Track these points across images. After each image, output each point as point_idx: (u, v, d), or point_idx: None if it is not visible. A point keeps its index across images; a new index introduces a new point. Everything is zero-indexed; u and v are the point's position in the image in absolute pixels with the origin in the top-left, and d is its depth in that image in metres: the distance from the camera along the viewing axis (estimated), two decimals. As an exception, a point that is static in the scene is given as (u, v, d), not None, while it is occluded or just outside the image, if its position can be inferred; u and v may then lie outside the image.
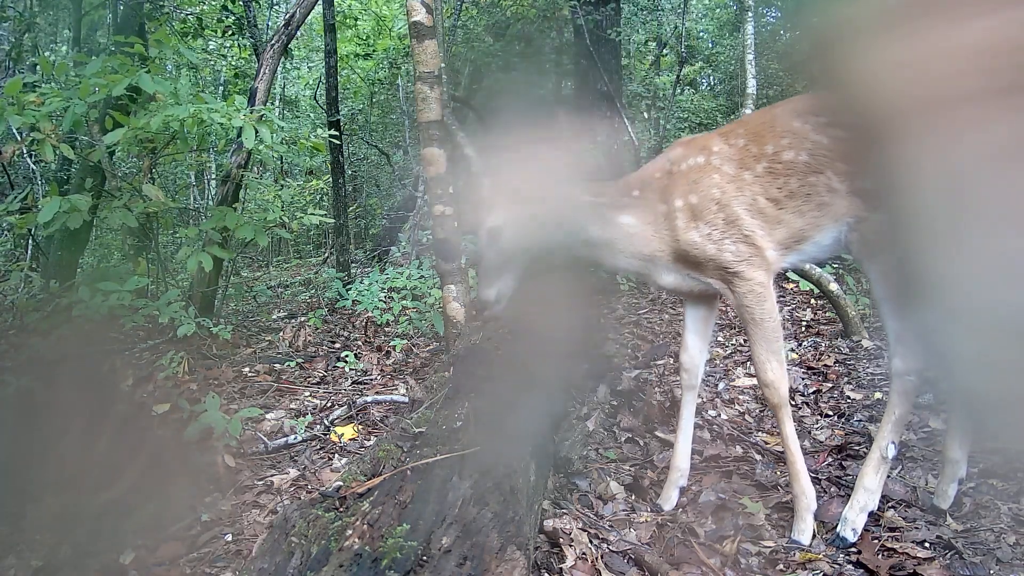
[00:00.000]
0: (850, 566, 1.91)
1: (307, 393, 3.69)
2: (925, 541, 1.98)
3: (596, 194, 2.22)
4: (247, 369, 4.08)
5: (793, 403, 3.18)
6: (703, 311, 2.35)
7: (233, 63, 8.52)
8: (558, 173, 2.25)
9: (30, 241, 5.19)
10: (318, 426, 3.17)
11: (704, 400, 3.21)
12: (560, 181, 2.22)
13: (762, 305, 2.04)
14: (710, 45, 10.72)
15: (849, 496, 2.25)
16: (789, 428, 2.09)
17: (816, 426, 2.89)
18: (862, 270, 2.05)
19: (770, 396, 2.08)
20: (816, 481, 2.38)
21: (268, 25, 8.60)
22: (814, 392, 3.27)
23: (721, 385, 3.43)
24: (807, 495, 2.07)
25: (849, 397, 3.16)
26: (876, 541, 2.00)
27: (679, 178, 2.12)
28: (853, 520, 2.03)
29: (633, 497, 2.38)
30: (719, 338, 4.41)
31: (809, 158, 2.01)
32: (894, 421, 2.04)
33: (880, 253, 1.97)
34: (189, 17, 6.74)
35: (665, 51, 10.78)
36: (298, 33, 6.37)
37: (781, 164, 2.03)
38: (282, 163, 10.09)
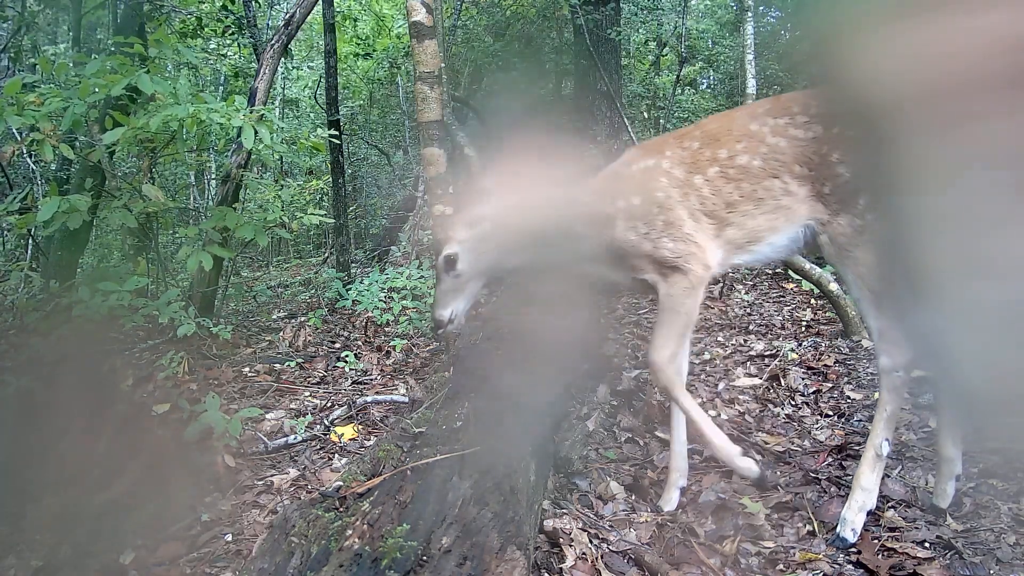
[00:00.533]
0: (850, 566, 1.91)
1: (307, 393, 3.69)
2: (925, 541, 1.98)
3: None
4: (247, 369, 4.08)
5: (793, 403, 3.18)
6: None
7: (233, 63, 8.51)
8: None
9: (30, 241, 5.19)
10: (318, 426, 3.17)
11: (704, 400, 3.21)
12: (516, 201, 2.28)
13: (688, 300, 2.08)
14: (710, 45, 10.72)
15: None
16: (687, 402, 2.13)
17: (816, 426, 2.89)
18: (837, 272, 2.05)
19: (655, 377, 2.14)
20: (816, 481, 2.38)
21: (268, 25, 8.60)
22: (814, 392, 3.27)
23: (721, 385, 3.43)
24: (726, 449, 2.09)
25: (849, 397, 3.16)
26: (876, 541, 2.00)
27: (628, 180, 2.17)
28: (852, 520, 2.03)
29: (633, 497, 2.38)
30: (719, 338, 4.41)
31: (763, 163, 2.04)
32: (886, 418, 2.04)
33: (853, 255, 1.97)
34: (189, 17, 6.74)
35: (665, 51, 10.78)
36: (298, 33, 6.36)
37: (734, 168, 2.06)
38: (282, 163, 10.08)
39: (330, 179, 6.77)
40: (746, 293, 5.66)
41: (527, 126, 2.32)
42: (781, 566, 1.94)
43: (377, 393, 3.61)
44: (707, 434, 2.09)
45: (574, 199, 2.25)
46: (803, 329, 4.49)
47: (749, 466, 2.08)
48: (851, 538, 2.00)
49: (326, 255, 9.14)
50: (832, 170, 1.97)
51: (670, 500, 2.30)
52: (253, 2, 6.67)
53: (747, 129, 2.08)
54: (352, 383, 3.89)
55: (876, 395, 3.12)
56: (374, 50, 10.61)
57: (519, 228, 2.23)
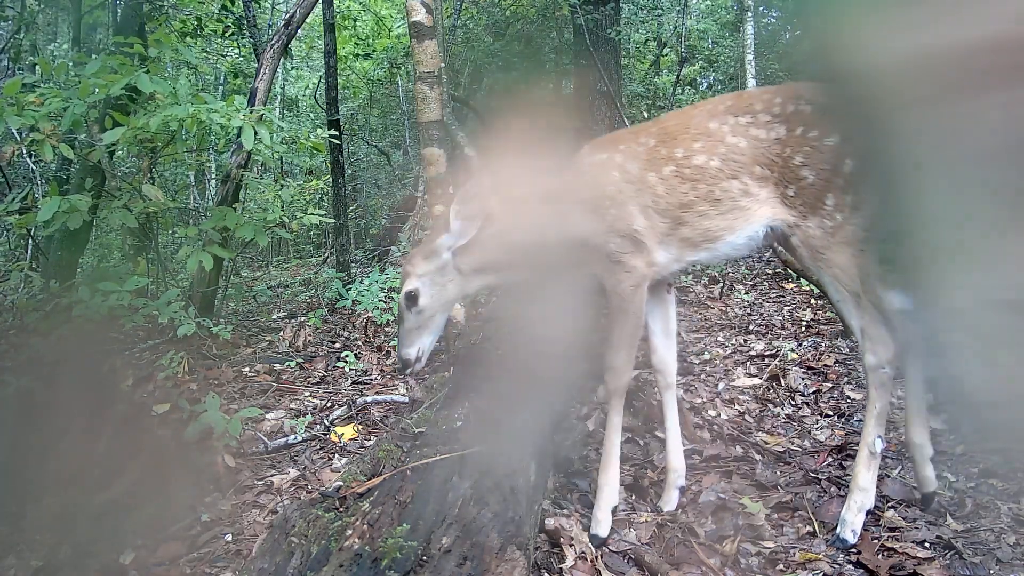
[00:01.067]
0: (850, 566, 1.91)
1: (307, 393, 3.69)
2: (925, 541, 1.98)
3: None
4: (247, 369, 4.08)
5: (793, 403, 3.18)
6: (660, 310, 2.36)
7: (233, 63, 8.51)
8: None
9: (30, 241, 5.18)
10: (318, 426, 3.17)
11: (704, 400, 3.21)
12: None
13: (635, 297, 2.07)
14: (710, 45, 10.72)
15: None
16: (616, 420, 2.15)
17: (816, 426, 2.89)
18: (814, 275, 2.04)
19: (609, 380, 2.14)
20: (816, 481, 2.38)
21: (269, 25, 8.60)
22: (814, 392, 3.27)
23: (721, 385, 3.43)
24: (609, 487, 2.13)
25: (849, 397, 3.16)
26: (876, 541, 2.00)
27: (581, 175, 2.15)
28: (852, 521, 2.03)
29: (633, 497, 2.38)
30: (719, 338, 4.41)
31: (722, 163, 2.01)
32: (876, 415, 2.03)
33: (827, 257, 1.95)
34: (188, 17, 6.74)
35: (665, 51, 10.78)
36: (298, 33, 6.36)
37: (690, 168, 2.03)
38: (282, 163, 10.08)
39: (330, 179, 6.77)
40: (746, 293, 5.65)
41: (515, 126, 2.31)
42: (781, 566, 1.94)
43: (377, 393, 3.61)
44: (604, 462, 2.14)
45: (531, 206, 2.23)
46: (803, 329, 4.49)
47: (606, 522, 2.10)
48: (851, 539, 2.00)
49: (326, 255, 9.14)
50: (796, 173, 1.94)
51: (670, 500, 2.30)
52: (253, 2, 6.67)
53: (706, 127, 2.05)
54: (352, 383, 3.89)
55: (876, 395, 3.13)
56: (374, 50, 10.61)
57: (480, 254, 2.20)
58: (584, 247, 2.11)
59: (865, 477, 2.05)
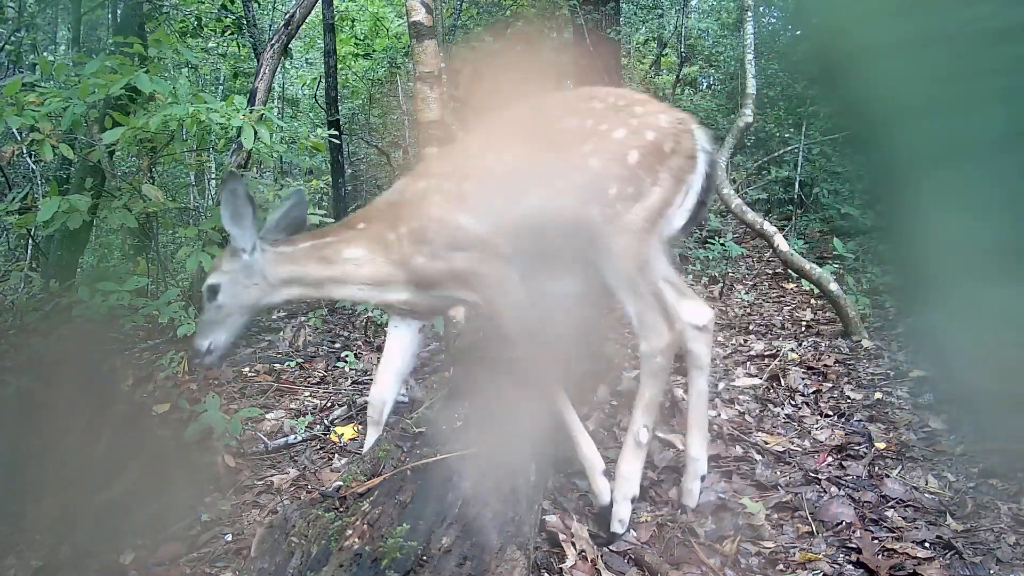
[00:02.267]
0: (850, 566, 1.91)
1: (307, 393, 3.69)
2: (925, 541, 1.98)
3: (316, 237, 2.28)
4: (247, 369, 4.08)
5: (793, 403, 3.18)
6: (407, 342, 2.42)
7: (232, 63, 8.51)
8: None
9: (30, 241, 5.18)
10: (318, 426, 3.17)
11: (704, 400, 3.21)
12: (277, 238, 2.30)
13: (507, 296, 2.08)
14: (710, 45, 10.71)
15: (850, 495, 2.26)
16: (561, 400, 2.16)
17: (816, 426, 2.89)
18: (593, 259, 2.03)
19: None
20: (816, 481, 2.38)
21: (269, 25, 8.60)
22: (814, 392, 3.27)
23: (721, 385, 3.43)
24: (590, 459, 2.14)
25: (849, 397, 3.16)
26: (876, 541, 2.00)
27: (404, 207, 2.17)
28: (619, 512, 2.03)
29: (633, 497, 2.37)
30: (719, 338, 4.41)
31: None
32: (645, 404, 2.02)
33: (604, 242, 1.96)
34: (188, 17, 6.73)
35: (665, 51, 10.77)
36: (298, 33, 6.36)
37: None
38: (282, 163, 10.08)
39: (330, 179, 6.77)
40: (746, 293, 5.65)
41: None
42: (781, 566, 1.94)
43: (377, 393, 3.60)
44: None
45: (349, 227, 2.26)
46: (803, 329, 4.49)
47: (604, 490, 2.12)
48: (619, 529, 2.00)
49: (326, 255, 9.10)
50: (583, 160, 1.98)
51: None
52: (253, 2, 6.67)
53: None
54: (352, 383, 3.88)
55: (876, 395, 3.13)
56: (373, 50, 10.60)
57: (291, 267, 2.23)
58: (431, 276, 2.14)
59: (627, 467, 2.04)
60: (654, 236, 1.98)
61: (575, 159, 1.97)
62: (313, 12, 6.20)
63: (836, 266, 5.12)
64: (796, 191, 7.83)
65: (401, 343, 2.41)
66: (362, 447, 2.93)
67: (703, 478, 2.25)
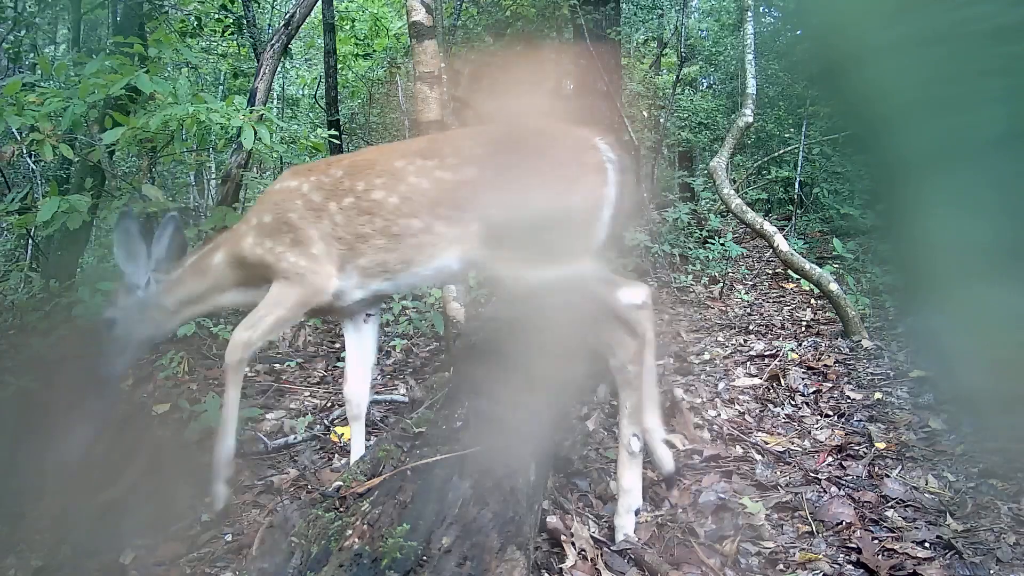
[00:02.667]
0: (850, 566, 1.91)
1: (307, 393, 3.69)
2: (925, 541, 1.98)
3: (195, 253, 2.45)
4: (247, 369, 4.08)
5: (793, 403, 3.18)
6: (356, 338, 2.46)
7: (232, 63, 8.51)
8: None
9: (30, 241, 5.18)
10: (318, 426, 3.17)
11: (704, 400, 3.21)
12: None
13: (297, 305, 2.18)
14: (710, 44, 10.71)
15: (850, 495, 2.26)
16: (233, 393, 2.24)
17: (816, 426, 2.89)
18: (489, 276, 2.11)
19: (229, 353, 2.22)
20: (816, 481, 2.38)
21: (268, 25, 8.60)
22: (814, 392, 3.27)
23: (721, 385, 3.43)
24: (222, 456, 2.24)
25: (849, 397, 3.16)
26: (876, 541, 2.00)
27: (267, 199, 2.28)
28: (623, 525, 2.03)
29: (633, 497, 2.37)
30: (719, 338, 4.41)
31: (400, 201, 2.09)
32: (628, 414, 2.03)
33: (523, 277, 2.00)
34: (188, 17, 6.73)
35: (665, 51, 10.77)
36: (298, 32, 6.36)
37: (368, 202, 2.12)
38: (282, 163, 10.07)
39: (330, 179, 6.76)
40: (746, 293, 5.66)
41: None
42: (781, 566, 1.94)
43: (377, 393, 3.61)
44: (222, 431, 2.24)
45: (225, 233, 2.41)
46: (803, 329, 4.50)
47: (218, 493, 2.23)
48: (627, 541, 2.00)
49: (326, 255, 9.11)
50: (484, 211, 2.01)
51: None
52: (253, 2, 6.67)
53: (391, 166, 2.14)
54: (352, 383, 3.88)
55: (876, 395, 3.13)
56: (373, 50, 10.60)
57: (182, 289, 2.38)
58: (256, 264, 2.24)
59: (628, 478, 2.04)
60: (585, 259, 2.06)
61: (471, 210, 2.05)
62: (313, 12, 6.20)
63: (836, 266, 5.12)
64: (796, 191, 7.83)
65: (356, 338, 2.46)
66: (363, 447, 2.93)
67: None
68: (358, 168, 2.19)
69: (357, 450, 2.44)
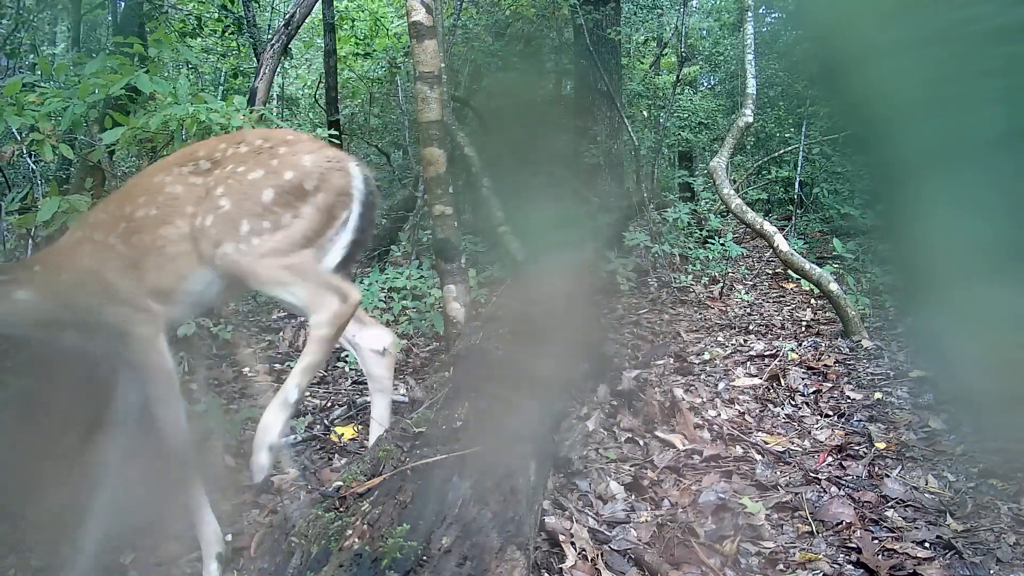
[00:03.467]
0: (850, 566, 1.91)
1: (307, 393, 3.69)
2: (925, 541, 1.98)
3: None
4: (247, 369, 4.08)
5: (793, 403, 3.18)
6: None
7: (233, 63, 8.51)
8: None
9: (30, 241, 5.18)
10: (318, 426, 3.17)
11: (704, 400, 3.21)
12: None
13: (148, 359, 2.07)
14: (710, 44, 10.71)
15: (850, 495, 2.26)
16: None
17: (816, 426, 2.89)
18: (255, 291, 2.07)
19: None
20: (816, 481, 2.38)
21: (268, 25, 8.60)
22: (814, 392, 3.27)
23: (721, 385, 3.43)
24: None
25: (849, 397, 3.16)
26: (876, 541, 2.00)
27: (64, 255, 2.16)
28: (258, 459, 1.93)
29: (633, 497, 2.38)
30: (719, 338, 4.41)
31: (159, 212, 2.05)
32: (303, 367, 1.98)
33: (254, 273, 1.97)
34: (188, 17, 6.74)
35: (665, 51, 10.77)
36: (298, 32, 6.36)
37: (135, 222, 2.07)
38: (282, 163, 10.04)
39: (330, 179, 6.76)
40: (746, 293, 5.66)
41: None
42: (781, 566, 1.94)
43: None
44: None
45: (26, 269, 2.22)
46: (803, 329, 4.50)
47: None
48: (257, 477, 1.94)
49: (326, 255, 9.10)
50: (215, 203, 1.99)
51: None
52: (253, 2, 6.67)
53: (152, 182, 2.11)
54: (352, 383, 3.88)
55: (876, 395, 3.13)
56: (373, 50, 10.60)
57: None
58: (93, 324, 2.12)
59: (270, 417, 1.96)
60: (305, 253, 2.01)
61: (207, 203, 2.01)
62: (313, 12, 6.20)
63: (836, 266, 5.12)
64: (796, 191, 7.83)
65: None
66: (362, 447, 2.93)
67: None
68: (128, 193, 2.15)
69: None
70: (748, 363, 3.81)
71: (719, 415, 3.03)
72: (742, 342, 4.26)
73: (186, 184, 2.07)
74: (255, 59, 6.52)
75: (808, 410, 3.09)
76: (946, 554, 1.91)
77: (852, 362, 3.68)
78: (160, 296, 2.08)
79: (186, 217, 2.04)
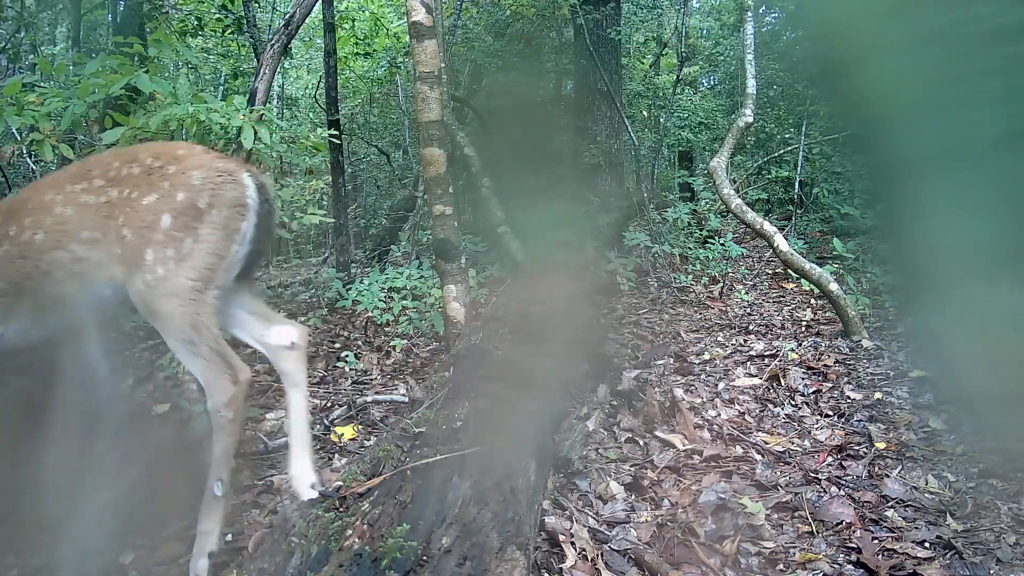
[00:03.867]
0: (850, 566, 1.91)
1: (307, 393, 3.69)
2: (925, 541, 1.98)
3: None
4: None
5: (793, 403, 3.18)
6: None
7: (233, 63, 8.51)
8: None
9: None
10: (318, 426, 3.17)
11: (704, 400, 3.21)
12: None
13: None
14: (710, 44, 10.71)
15: (850, 495, 2.26)
16: None
17: (816, 426, 2.89)
18: (151, 324, 2.00)
19: None
20: (816, 481, 2.38)
21: (268, 25, 8.60)
22: (814, 392, 3.27)
23: (721, 385, 3.43)
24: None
25: (849, 397, 3.16)
26: (876, 541, 2.00)
27: None
28: (195, 567, 1.92)
29: (633, 497, 2.38)
30: (719, 338, 4.41)
31: (46, 235, 1.97)
32: (217, 457, 1.94)
33: (154, 309, 1.93)
34: (188, 17, 6.74)
35: (665, 51, 10.77)
36: (298, 32, 6.36)
37: (19, 246, 1.99)
38: (282, 163, 10.07)
39: (330, 179, 6.77)
40: (746, 293, 5.66)
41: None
42: (781, 566, 1.94)
43: (377, 393, 3.61)
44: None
45: None
46: (803, 329, 4.50)
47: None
48: None
49: (326, 255, 9.13)
50: (119, 233, 1.92)
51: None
52: (253, 2, 6.67)
53: (42, 200, 2.01)
54: (352, 383, 3.89)
55: (876, 395, 3.13)
56: (373, 50, 10.60)
57: None
58: None
59: (207, 521, 1.94)
60: (208, 292, 1.96)
61: (110, 232, 1.94)
62: (313, 12, 6.20)
63: (836, 266, 5.12)
64: (796, 191, 7.84)
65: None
66: (362, 447, 2.93)
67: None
68: (13, 211, 2.05)
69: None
70: (748, 363, 3.81)
71: (719, 415, 3.03)
72: (742, 342, 4.26)
73: (77, 205, 1.97)
74: (255, 59, 6.52)
75: (808, 410, 3.09)
76: (946, 554, 1.91)
77: (852, 362, 3.68)
78: (36, 312, 2.04)
79: (82, 241, 1.95)
